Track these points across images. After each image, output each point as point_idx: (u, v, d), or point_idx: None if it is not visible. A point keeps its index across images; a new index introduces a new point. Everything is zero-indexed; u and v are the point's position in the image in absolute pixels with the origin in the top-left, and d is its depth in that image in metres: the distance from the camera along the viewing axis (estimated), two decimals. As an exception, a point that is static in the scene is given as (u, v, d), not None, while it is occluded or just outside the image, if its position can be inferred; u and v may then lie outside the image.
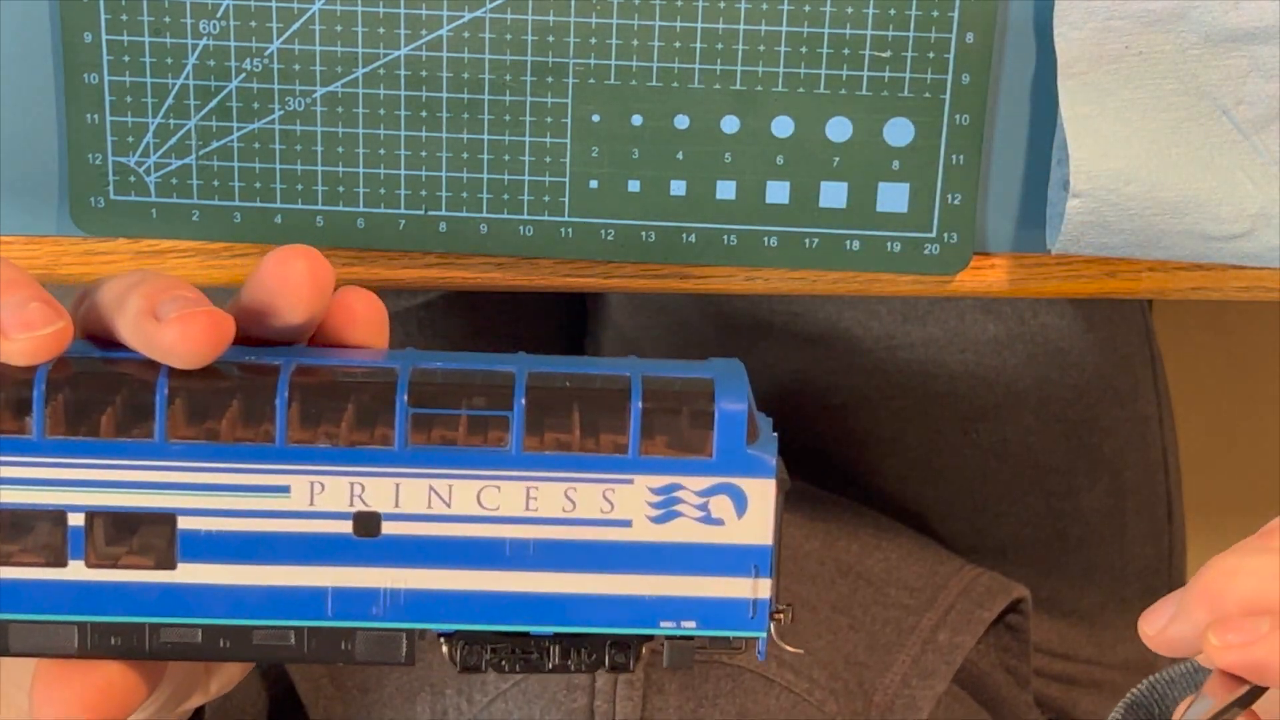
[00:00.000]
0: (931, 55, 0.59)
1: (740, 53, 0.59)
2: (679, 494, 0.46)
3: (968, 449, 0.86)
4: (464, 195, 0.60)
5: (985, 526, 0.88)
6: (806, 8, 0.58)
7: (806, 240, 0.60)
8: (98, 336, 0.47)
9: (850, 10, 0.58)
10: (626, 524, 0.46)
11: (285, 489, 0.45)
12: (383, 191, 0.60)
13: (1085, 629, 0.87)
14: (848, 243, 0.60)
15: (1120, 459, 0.88)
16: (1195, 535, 0.92)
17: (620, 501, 0.46)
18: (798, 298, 0.84)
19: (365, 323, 0.48)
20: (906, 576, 0.76)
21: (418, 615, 0.46)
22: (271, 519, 0.46)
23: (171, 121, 0.59)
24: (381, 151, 0.60)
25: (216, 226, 0.60)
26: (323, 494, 0.45)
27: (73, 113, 0.59)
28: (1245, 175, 0.59)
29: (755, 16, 0.59)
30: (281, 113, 0.59)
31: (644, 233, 0.60)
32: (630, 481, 0.46)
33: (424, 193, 0.60)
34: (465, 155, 0.60)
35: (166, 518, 0.46)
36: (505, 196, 0.60)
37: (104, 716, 0.46)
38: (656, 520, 0.46)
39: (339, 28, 0.58)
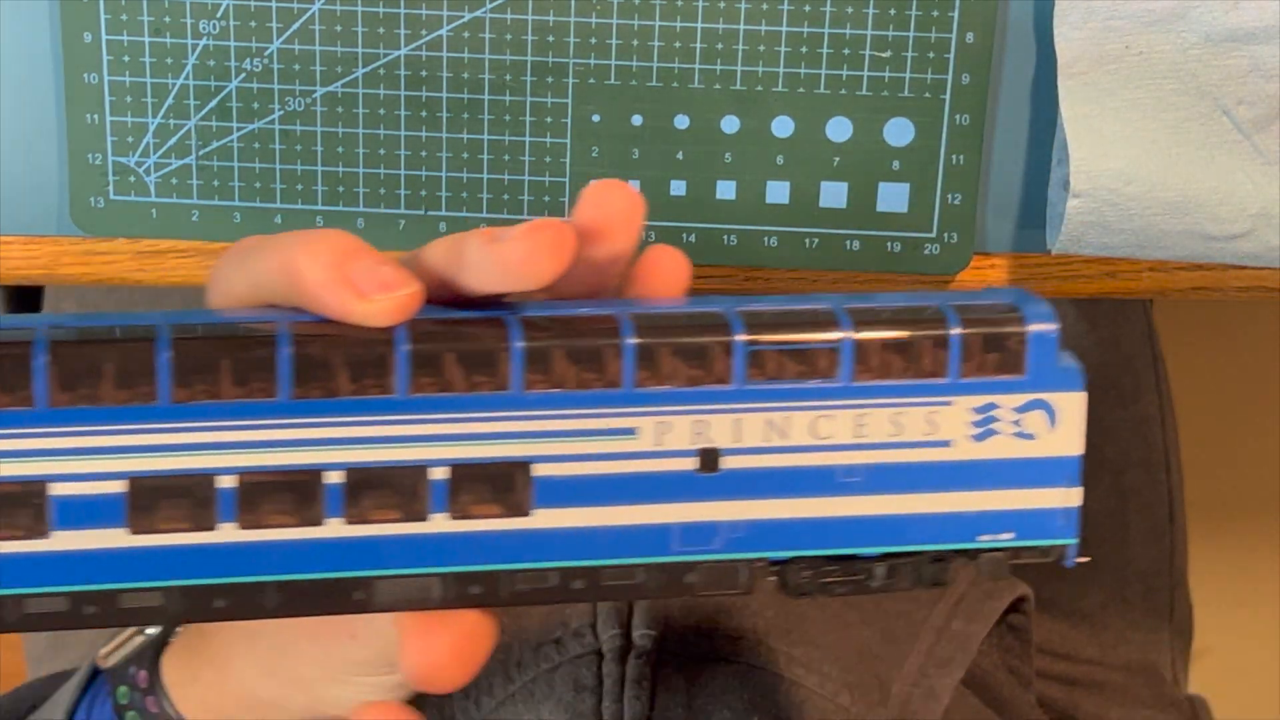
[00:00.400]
0: (931, 55, 0.59)
1: (740, 53, 0.59)
2: (995, 412, 0.48)
3: None
4: (464, 195, 0.60)
5: None
6: (806, 8, 0.58)
7: (806, 240, 0.60)
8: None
9: (850, 10, 0.58)
10: (947, 444, 0.48)
11: (632, 431, 0.47)
12: (383, 191, 0.60)
13: (1087, 630, 0.87)
14: (848, 243, 0.60)
15: (1122, 460, 0.88)
16: (1196, 536, 0.92)
17: (942, 423, 0.48)
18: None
19: (672, 279, 0.50)
20: None
21: (756, 545, 0.48)
22: (619, 460, 0.47)
23: (171, 121, 0.59)
24: (381, 151, 0.60)
25: (216, 226, 0.60)
26: (668, 433, 0.47)
27: (73, 113, 0.59)
28: (1245, 175, 0.59)
29: (755, 16, 0.59)
30: (281, 113, 0.59)
31: (644, 233, 0.60)
32: (951, 403, 0.48)
33: (424, 193, 0.60)
34: (465, 155, 0.60)
35: (522, 466, 0.47)
36: (505, 196, 0.60)
37: (472, 662, 0.48)
38: (976, 439, 0.48)
39: (339, 28, 0.58)
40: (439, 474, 0.46)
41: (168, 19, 0.58)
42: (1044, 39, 0.59)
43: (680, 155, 0.60)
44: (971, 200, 0.60)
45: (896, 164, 0.60)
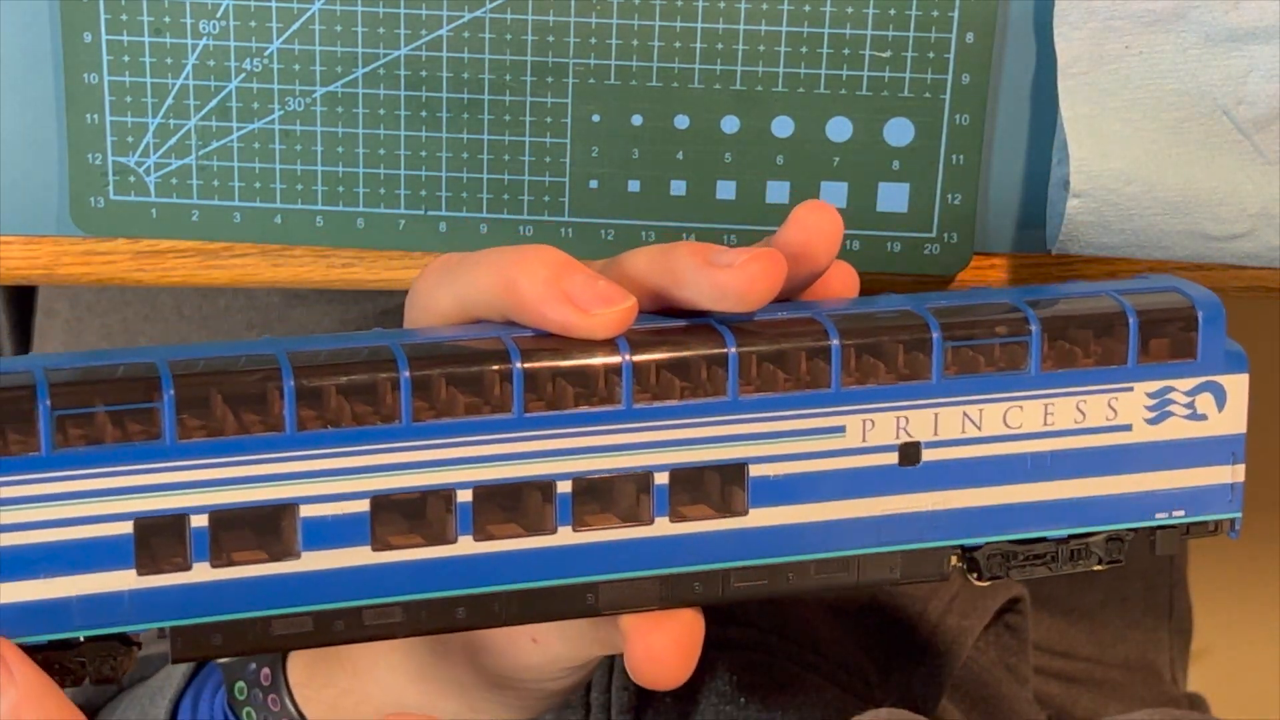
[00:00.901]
0: (931, 55, 0.59)
1: (740, 53, 0.59)
2: (1170, 395, 0.52)
3: None
4: (464, 195, 0.60)
5: None
6: (806, 8, 0.58)
7: (806, 240, 0.60)
8: None
9: (850, 10, 0.58)
10: (1128, 428, 0.51)
11: (841, 429, 0.49)
12: (383, 191, 0.60)
13: (1085, 627, 0.87)
14: (848, 243, 0.60)
15: None
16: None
17: (1122, 408, 0.51)
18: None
19: (848, 281, 0.53)
20: None
21: (954, 533, 0.51)
22: (828, 458, 0.49)
23: (171, 121, 0.59)
24: (381, 151, 0.60)
25: (216, 226, 0.60)
26: (873, 430, 0.49)
27: (73, 113, 0.59)
28: (1245, 175, 0.59)
29: (755, 16, 0.59)
30: (281, 113, 0.59)
31: (644, 233, 0.60)
32: (1131, 389, 0.51)
33: (424, 193, 0.60)
34: (465, 155, 0.60)
35: (738, 468, 0.49)
36: (505, 196, 0.60)
37: (692, 656, 0.50)
38: (1152, 422, 0.52)
39: (339, 28, 0.58)
40: (661, 479, 0.49)
41: (168, 19, 0.58)
42: (1044, 39, 0.59)
43: (680, 155, 0.60)
44: (971, 200, 0.60)
45: (896, 164, 0.60)
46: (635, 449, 0.48)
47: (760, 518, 0.50)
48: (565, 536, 0.48)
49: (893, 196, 0.60)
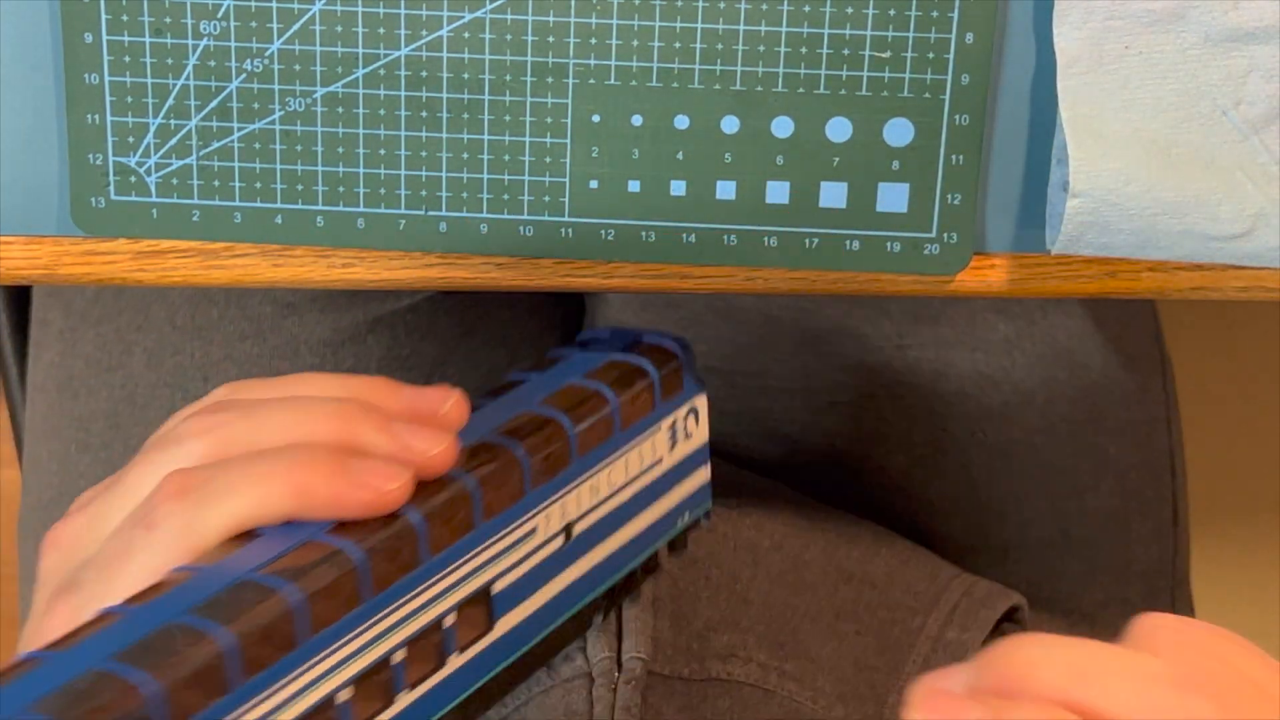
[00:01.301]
0: (931, 55, 0.59)
1: (740, 53, 0.59)
2: (675, 424, 0.60)
3: (974, 449, 0.86)
4: (464, 195, 0.60)
5: (988, 526, 0.88)
6: (806, 8, 0.58)
7: (806, 240, 0.60)
8: None
9: (850, 10, 0.58)
10: (661, 460, 0.59)
11: (534, 530, 0.54)
12: (383, 191, 0.60)
13: (1087, 630, 0.87)
14: (848, 243, 0.60)
15: (1126, 460, 0.88)
16: (1196, 536, 0.92)
17: (658, 443, 0.59)
18: (805, 299, 0.84)
19: None
20: (909, 579, 0.76)
21: (598, 583, 0.58)
22: (532, 556, 0.55)
23: (172, 122, 0.59)
24: (381, 151, 0.60)
25: (217, 226, 0.60)
26: (548, 522, 0.55)
27: (73, 113, 0.59)
28: (1245, 175, 0.59)
29: (755, 16, 0.59)
30: (282, 113, 0.59)
31: (644, 233, 0.60)
32: (659, 428, 0.59)
33: (424, 193, 0.60)
34: (465, 155, 0.60)
35: (484, 590, 0.53)
36: (505, 196, 0.60)
37: None
38: (671, 449, 0.60)
39: (339, 28, 0.59)
40: (449, 621, 0.51)
41: (168, 19, 0.59)
42: (1044, 39, 0.59)
43: (680, 155, 0.60)
44: (971, 200, 0.60)
45: (896, 164, 0.60)
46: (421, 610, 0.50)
47: (502, 625, 0.53)
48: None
49: (892, 196, 0.60)
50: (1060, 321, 0.84)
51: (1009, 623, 0.79)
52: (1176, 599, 0.90)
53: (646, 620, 0.68)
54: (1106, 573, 0.88)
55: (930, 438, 0.86)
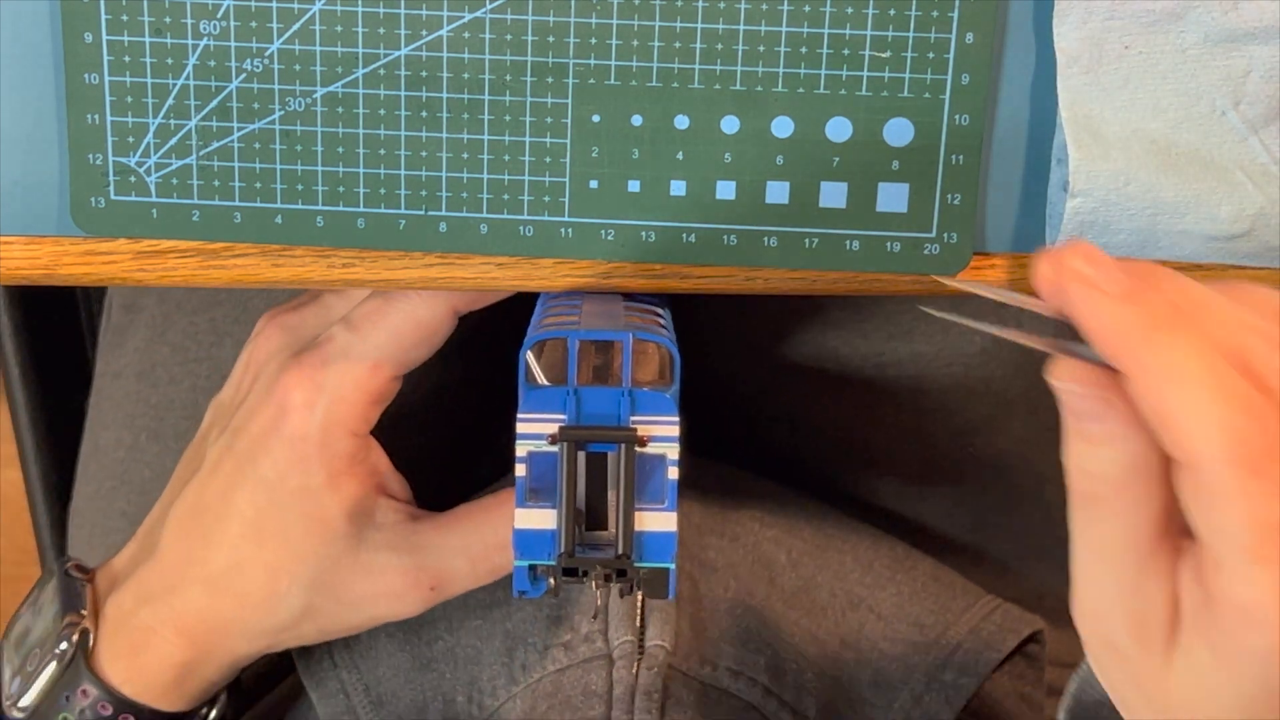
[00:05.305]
0: (931, 55, 0.59)
1: (740, 53, 0.59)
2: None
3: (965, 463, 0.86)
4: (464, 195, 0.60)
5: (985, 540, 0.87)
6: (806, 8, 0.58)
7: (806, 240, 0.60)
8: None
9: (850, 10, 0.58)
10: None
11: None
12: (383, 191, 0.60)
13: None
14: (848, 243, 0.60)
15: None
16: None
17: None
18: (782, 326, 0.84)
19: None
20: (918, 612, 0.75)
21: None
22: None
23: (172, 122, 0.59)
24: (381, 151, 0.60)
25: (217, 226, 0.60)
26: None
27: (73, 113, 0.59)
28: (1245, 175, 0.59)
29: (755, 16, 0.59)
30: (282, 113, 0.59)
31: (644, 233, 0.60)
32: None
33: (424, 193, 0.60)
34: (465, 155, 0.60)
35: None
36: (505, 196, 0.60)
37: None
38: None
39: (339, 28, 0.59)
40: None
41: (168, 19, 0.59)
42: (1044, 39, 0.59)
43: (680, 155, 0.60)
44: (971, 200, 0.60)
45: (896, 164, 0.60)
46: None
47: None
48: None
49: (892, 196, 0.60)
50: (1036, 327, 0.84)
51: (1032, 643, 0.78)
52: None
53: (670, 613, 0.68)
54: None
55: (919, 456, 0.86)
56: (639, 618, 0.68)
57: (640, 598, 0.65)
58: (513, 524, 0.58)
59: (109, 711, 0.67)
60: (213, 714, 0.71)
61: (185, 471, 0.69)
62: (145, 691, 0.67)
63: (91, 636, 0.67)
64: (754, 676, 0.69)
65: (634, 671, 0.66)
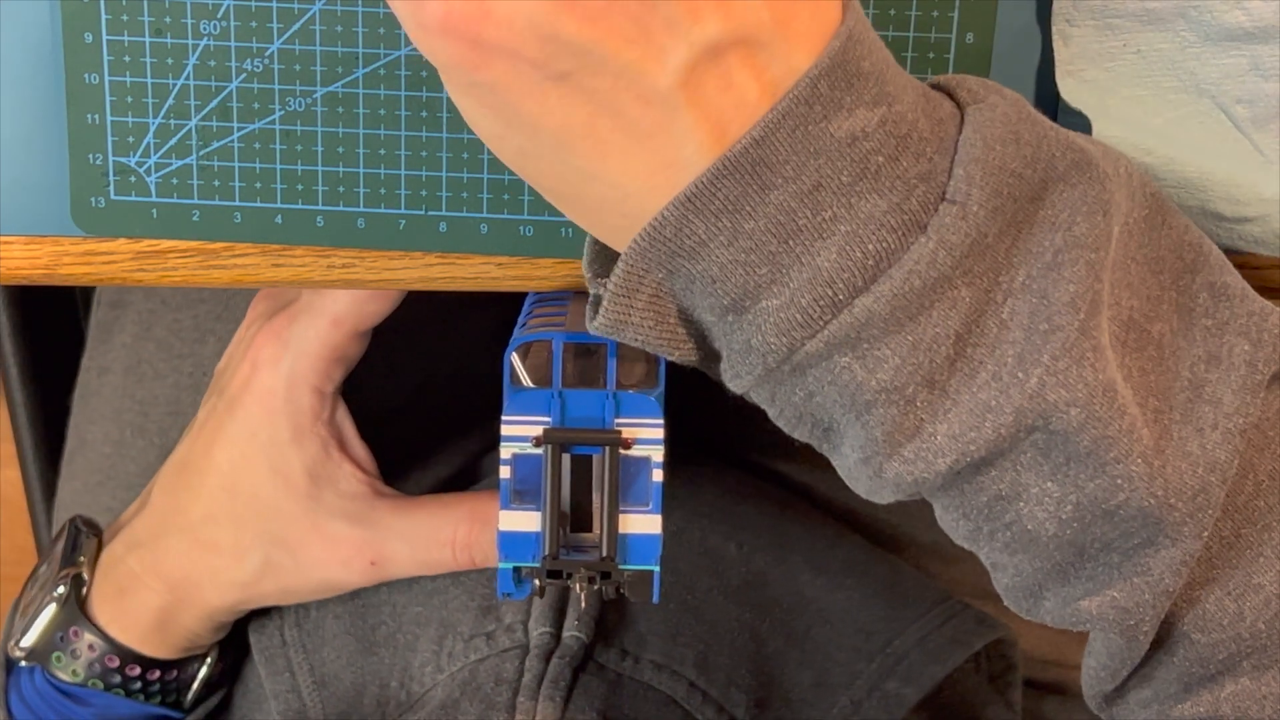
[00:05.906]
0: (931, 55, 0.59)
1: (740, 52, 0.59)
2: None
3: None
4: (464, 195, 0.60)
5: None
6: (806, 7, 0.58)
7: (806, 240, 0.60)
8: None
9: (850, 10, 0.58)
10: None
11: None
12: (383, 191, 0.60)
13: (1076, 634, 0.87)
14: (848, 242, 0.60)
15: None
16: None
17: None
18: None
19: None
20: (867, 619, 0.75)
21: None
22: None
23: (172, 122, 0.59)
24: (381, 151, 0.60)
25: (217, 226, 0.60)
26: None
27: (73, 113, 0.59)
28: (1244, 173, 0.59)
29: (755, 16, 0.59)
30: (282, 113, 0.59)
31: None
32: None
33: (424, 193, 0.60)
34: (465, 155, 0.60)
35: None
36: (505, 196, 0.60)
37: None
38: None
39: (339, 28, 0.59)
40: None
41: (168, 19, 0.59)
42: (1044, 39, 0.59)
43: (680, 155, 0.60)
44: (971, 200, 0.60)
45: (896, 163, 0.60)
46: None
47: None
48: None
49: (893, 196, 0.60)
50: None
51: (1002, 642, 0.78)
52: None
53: (594, 604, 0.69)
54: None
55: None
56: (560, 610, 0.69)
57: (578, 590, 0.66)
58: (464, 524, 0.59)
59: (96, 653, 0.71)
60: (202, 671, 0.75)
61: (185, 435, 0.73)
62: (128, 633, 0.72)
63: (86, 583, 0.72)
64: (679, 670, 0.70)
65: (545, 664, 0.67)
